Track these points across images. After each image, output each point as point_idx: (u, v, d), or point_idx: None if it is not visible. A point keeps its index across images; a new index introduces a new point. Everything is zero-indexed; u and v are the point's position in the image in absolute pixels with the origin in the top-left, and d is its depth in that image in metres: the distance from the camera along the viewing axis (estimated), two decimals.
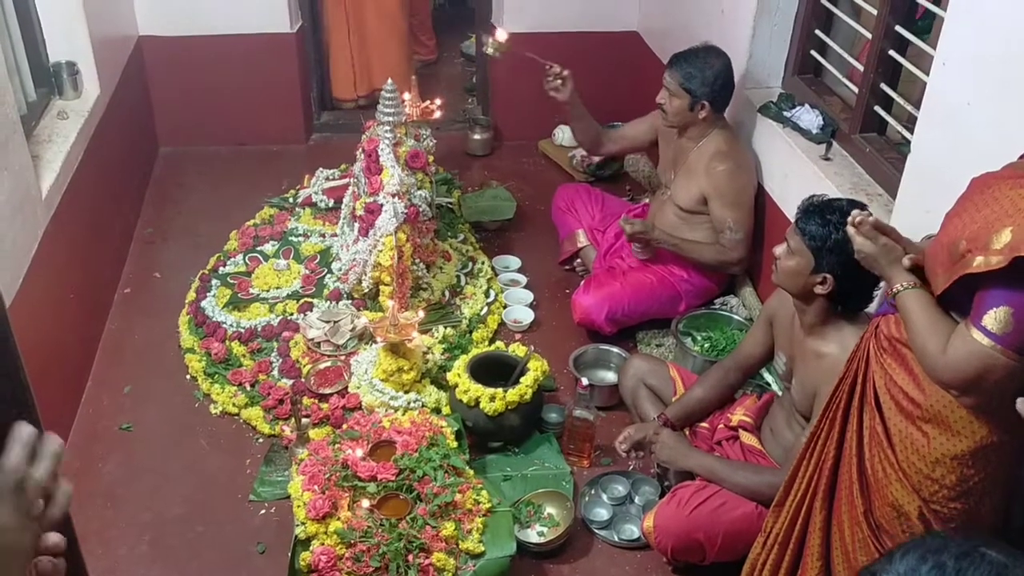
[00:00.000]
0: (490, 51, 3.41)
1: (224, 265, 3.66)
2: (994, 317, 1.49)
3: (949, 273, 1.56)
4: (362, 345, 3.20)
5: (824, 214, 2.09)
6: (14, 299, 2.47)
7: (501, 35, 3.39)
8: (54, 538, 0.98)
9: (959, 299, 1.59)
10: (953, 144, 2.15)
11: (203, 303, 3.43)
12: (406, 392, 2.94)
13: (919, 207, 2.26)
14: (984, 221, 1.51)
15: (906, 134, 2.59)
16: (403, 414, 2.75)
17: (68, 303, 3.03)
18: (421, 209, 3.29)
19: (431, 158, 3.49)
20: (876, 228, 1.74)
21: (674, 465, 2.51)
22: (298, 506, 2.39)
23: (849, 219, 1.77)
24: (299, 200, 4.04)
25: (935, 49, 2.24)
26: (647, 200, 3.84)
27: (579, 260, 3.71)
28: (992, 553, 0.89)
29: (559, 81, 3.42)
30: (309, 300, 3.41)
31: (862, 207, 2.10)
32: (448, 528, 2.35)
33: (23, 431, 0.92)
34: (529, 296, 3.59)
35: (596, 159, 4.39)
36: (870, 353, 1.81)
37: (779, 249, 2.20)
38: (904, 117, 2.70)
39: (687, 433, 2.60)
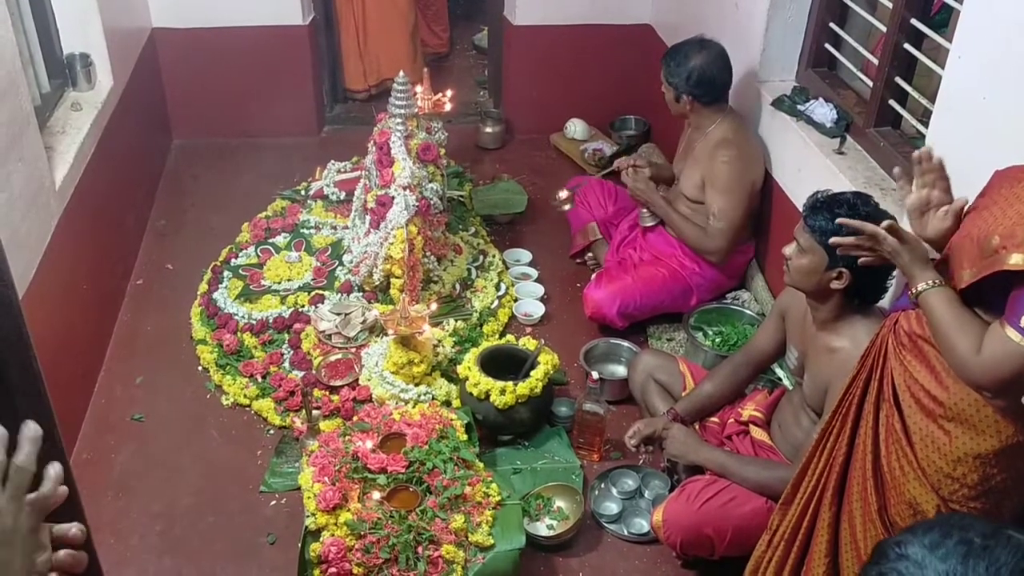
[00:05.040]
0: (566, 207, 3.63)
1: (236, 257, 3.67)
2: None
3: (979, 268, 1.53)
4: (373, 337, 3.21)
5: (832, 208, 2.07)
6: (27, 289, 2.49)
7: (564, 194, 3.62)
8: (74, 530, 1.00)
9: (983, 294, 1.56)
10: (968, 138, 2.13)
11: (215, 295, 3.44)
12: (416, 385, 2.94)
13: None
14: (1018, 216, 1.48)
15: (921, 128, 2.57)
16: (413, 407, 2.76)
17: (81, 294, 3.04)
18: (432, 202, 3.29)
19: (442, 151, 3.49)
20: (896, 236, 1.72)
21: (684, 459, 2.50)
22: (308, 497, 2.40)
23: (886, 225, 1.75)
24: (311, 192, 4.04)
25: (951, 43, 2.23)
26: (662, 193, 3.83)
27: (591, 254, 3.71)
28: (1018, 536, 0.89)
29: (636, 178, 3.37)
30: (320, 292, 3.41)
31: (867, 199, 2.09)
32: (458, 520, 2.35)
33: None
34: (540, 290, 3.58)
35: (608, 152, 4.39)
36: (888, 349, 1.77)
37: (789, 249, 2.17)
38: (919, 111, 2.68)
39: (696, 428, 2.59)
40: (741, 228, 3.18)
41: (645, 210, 3.33)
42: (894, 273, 2.09)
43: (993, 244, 1.50)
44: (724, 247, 3.17)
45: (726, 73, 3.16)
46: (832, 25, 3.12)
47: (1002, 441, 1.61)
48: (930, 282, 1.65)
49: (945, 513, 1.68)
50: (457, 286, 3.47)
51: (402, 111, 3.23)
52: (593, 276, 3.49)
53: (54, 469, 0.98)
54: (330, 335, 3.19)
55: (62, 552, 0.98)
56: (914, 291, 1.68)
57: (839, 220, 1.86)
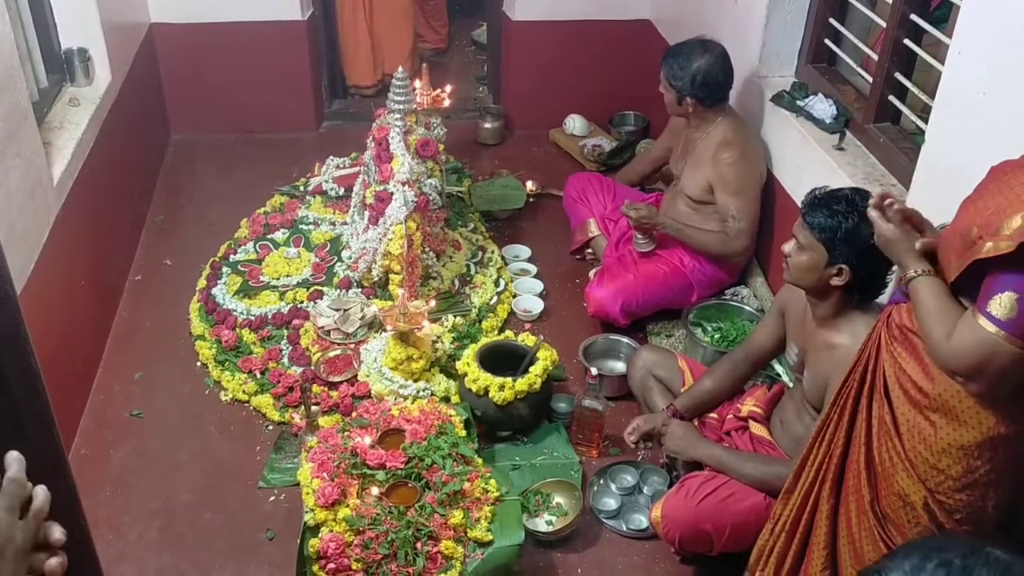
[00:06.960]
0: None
1: (235, 253, 3.66)
2: (999, 303, 1.48)
3: (961, 259, 1.56)
4: (372, 333, 3.21)
5: (831, 205, 2.07)
6: (25, 286, 2.48)
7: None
8: (56, 532, 1.00)
9: (970, 286, 1.58)
10: (968, 134, 2.13)
11: (214, 290, 3.44)
12: (415, 381, 2.94)
13: (933, 197, 2.24)
14: (996, 208, 1.50)
15: (920, 124, 2.57)
16: (412, 402, 2.75)
17: (79, 290, 3.03)
18: (431, 198, 3.28)
19: (441, 146, 3.48)
20: (903, 215, 1.73)
21: (683, 455, 2.50)
22: (307, 493, 2.39)
23: (873, 201, 1.75)
24: (310, 188, 4.04)
25: (950, 39, 2.22)
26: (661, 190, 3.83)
27: (590, 250, 3.71)
28: (998, 552, 0.90)
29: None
30: (319, 288, 3.41)
31: (866, 195, 2.08)
32: (456, 516, 2.35)
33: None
34: (539, 285, 3.58)
35: (607, 148, 4.39)
36: (881, 342, 1.79)
37: (788, 246, 2.17)
38: (919, 107, 2.68)
39: (695, 424, 2.59)
40: (758, 223, 3.19)
41: (639, 235, 3.28)
42: (893, 269, 2.10)
43: (972, 235, 1.52)
44: (749, 245, 3.19)
45: (729, 74, 3.16)
46: (832, 21, 3.12)
47: (983, 432, 1.63)
48: (919, 270, 1.67)
49: (931, 537, 1.70)
50: (456, 282, 3.47)
51: (401, 107, 3.22)
52: (592, 273, 3.49)
53: (42, 490, 1.01)
54: (329, 331, 3.19)
55: (52, 561, 0.99)
56: (904, 279, 1.70)
57: (871, 212, 1.78)
